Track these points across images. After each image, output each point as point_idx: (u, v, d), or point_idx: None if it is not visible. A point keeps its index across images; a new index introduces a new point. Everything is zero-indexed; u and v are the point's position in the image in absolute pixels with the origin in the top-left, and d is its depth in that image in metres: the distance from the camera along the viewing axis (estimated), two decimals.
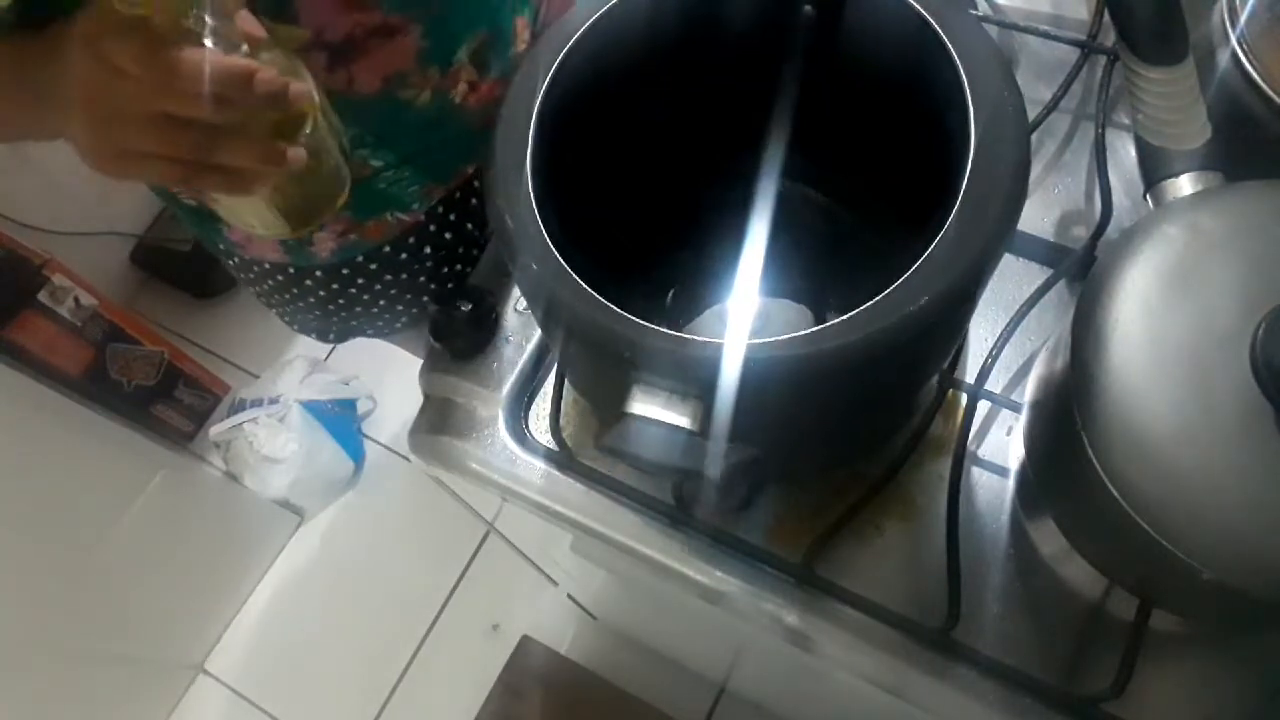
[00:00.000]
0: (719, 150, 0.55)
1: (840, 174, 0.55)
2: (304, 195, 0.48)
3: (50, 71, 0.43)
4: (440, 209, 0.76)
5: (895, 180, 0.48)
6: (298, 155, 0.44)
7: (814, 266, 0.56)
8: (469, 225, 0.80)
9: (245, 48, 0.41)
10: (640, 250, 0.56)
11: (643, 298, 0.58)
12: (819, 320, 0.55)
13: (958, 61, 0.39)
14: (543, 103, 0.42)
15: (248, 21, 0.42)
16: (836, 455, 0.55)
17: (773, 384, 0.36)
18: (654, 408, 0.37)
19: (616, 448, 0.38)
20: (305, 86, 0.44)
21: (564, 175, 0.43)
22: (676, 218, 0.58)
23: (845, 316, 0.36)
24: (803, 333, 0.36)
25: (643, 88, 0.48)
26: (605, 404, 0.44)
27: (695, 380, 0.37)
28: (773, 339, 0.36)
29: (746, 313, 0.56)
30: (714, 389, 0.37)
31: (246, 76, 0.40)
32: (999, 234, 0.37)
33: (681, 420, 0.37)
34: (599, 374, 0.44)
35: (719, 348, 0.37)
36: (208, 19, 0.39)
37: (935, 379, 0.52)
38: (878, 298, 0.36)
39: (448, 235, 0.78)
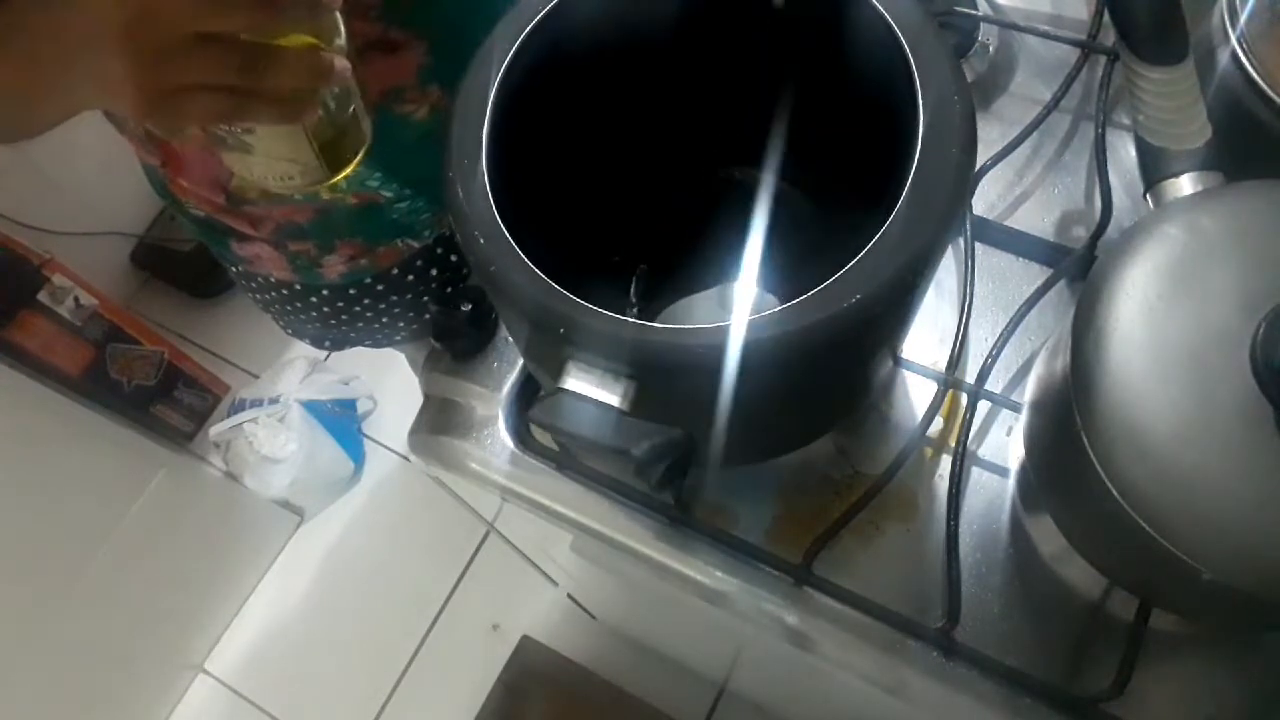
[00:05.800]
0: (681, 137, 0.55)
1: (801, 161, 0.56)
2: (337, 133, 0.47)
3: (72, 23, 0.40)
4: (447, 232, 0.76)
5: (853, 168, 0.49)
6: (343, 65, 0.42)
7: (780, 252, 0.56)
8: None
9: None
10: (606, 240, 0.56)
11: (610, 287, 0.58)
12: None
13: (911, 60, 0.40)
14: (501, 83, 0.43)
15: None
16: (778, 441, 0.55)
17: (704, 371, 0.37)
18: (586, 385, 0.38)
19: (546, 421, 0.38)
20: None
21: (526, 159, 0.44)
22: (642, 206, 0.58)
23: (782, 307, 0.37)
24: (738, 321, 0.36)
25: (603, 73, 0.49)
26: (547, 380, 0.45)
27: (627, 360, 0.38)
28: (707, 326, 0.37)
29: (713, 303, 0.57)
30: (646, 371, 0.37)
31: None
32: (941, 229, 0.38)
33: (612, 399, 0.37)
34: (540, 349, 0.45)
35: (651, 330, 0.37)
36: None
37: (880, 371, 0.52)
38: (815, 290, 0.37)
39: (453, 257, 0.79)
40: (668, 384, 0.39)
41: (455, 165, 0.41)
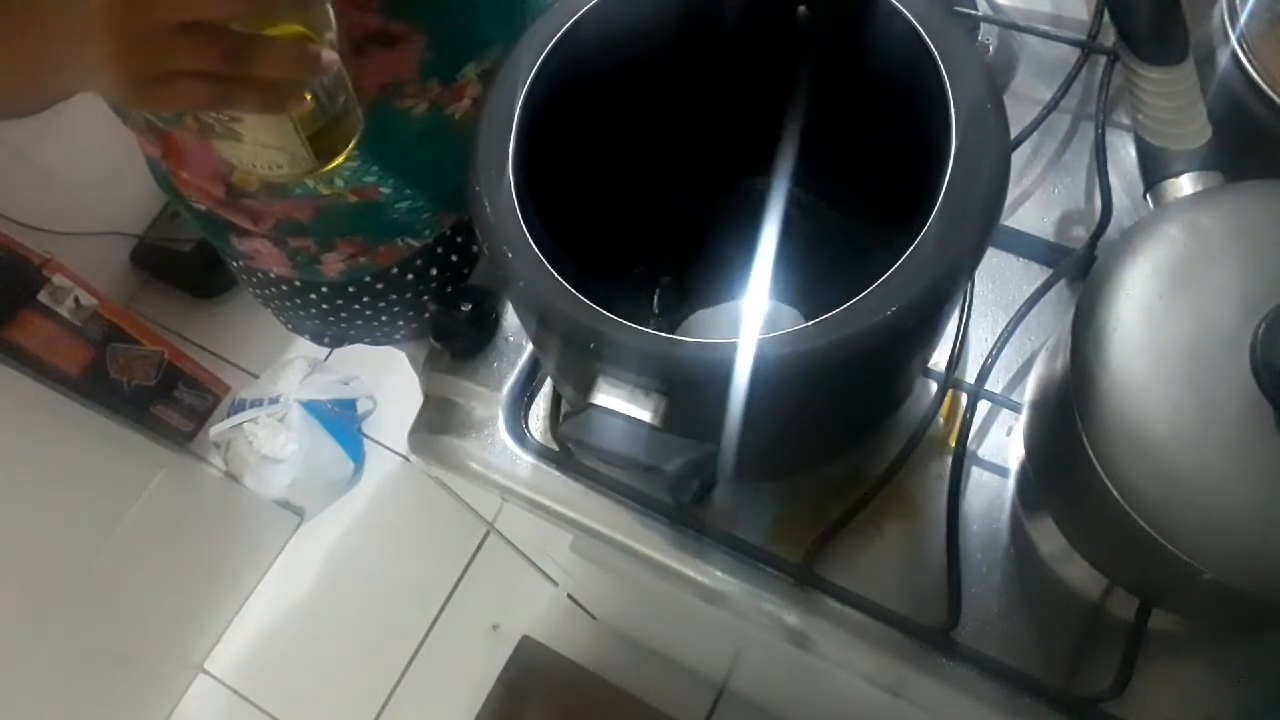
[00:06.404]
0: (706, 149, 0.55)
1: (825, 172, 0.56)
2: (327, 124, 0.47)
3: (56, 5, 0.40)
4: (448, 231, 0.76)
5: (879, 181, 0.48)
6: (331, 57, 0.42)
7: (803, 265, 0.56)
8: (474, 247, 0.80)
9: None
10: (629, 251, 0.56)
11: (632, 298, 0.58)
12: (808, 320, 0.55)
13: (944, 72, 0.39)
14: (527, 96, 0.43)
15: None
16: (808, 455, 0.55)
17: (737, 385, 0.37)
18: (617, 400, 0.37)
19: (577, 438, 0.38)
20: None
21: (549, 171, 0.43)
22: (665, 217, 0.58)
23: (814, 321, 0.36)
24: (770, 335, 0.36)
25: (629, 84, 0.48)
26: (573, 395, 0.45)
27: (658, 375, 0.37)
28: (740, 340, 0.36)
29: (736, 315, 0.57)
30: (678, 385, 0.37)
31: None
32: (973, 246, 0.37)
33: (644, 414, 0.37)
34: (569, 364, 0.45)
35: (683, 345, 0.37)
36: None
37: (909, 385, 0.52)
38: (847, 305, 0.36)
39: (454, 257, 0.79)
40: (701, 399, 0.38)
41: (481, 178, 0.41)
